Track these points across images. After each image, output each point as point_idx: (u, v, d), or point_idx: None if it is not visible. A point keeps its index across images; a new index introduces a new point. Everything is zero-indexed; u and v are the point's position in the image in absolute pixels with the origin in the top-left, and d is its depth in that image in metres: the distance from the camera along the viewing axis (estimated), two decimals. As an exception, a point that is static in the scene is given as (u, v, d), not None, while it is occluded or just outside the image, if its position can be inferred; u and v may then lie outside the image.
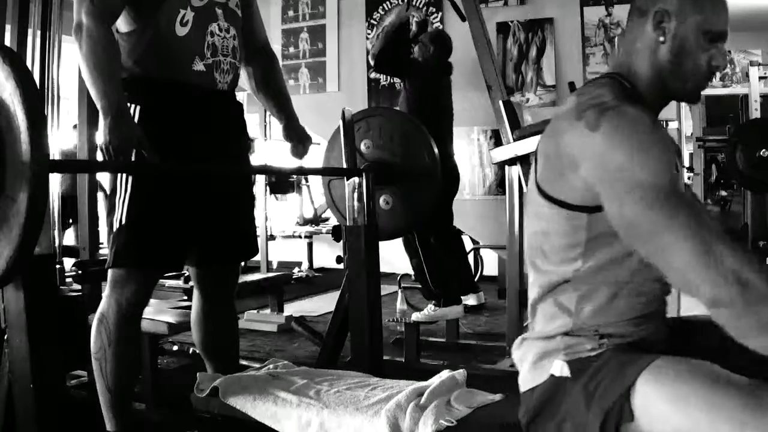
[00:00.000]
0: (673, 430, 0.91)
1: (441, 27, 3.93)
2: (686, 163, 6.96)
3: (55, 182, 2.45)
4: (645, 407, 0.93)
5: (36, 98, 1.17)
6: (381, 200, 2.18)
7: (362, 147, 2.19)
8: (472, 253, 5.27)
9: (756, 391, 0.88)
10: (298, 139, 1.90)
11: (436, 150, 2.20)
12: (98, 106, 1.50)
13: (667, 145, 0.97)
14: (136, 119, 1.58)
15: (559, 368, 1.03)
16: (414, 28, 3.49)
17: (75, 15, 1.52)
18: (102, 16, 1.51)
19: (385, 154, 2.18)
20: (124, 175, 1.60)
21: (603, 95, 1.02)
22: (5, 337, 1.81)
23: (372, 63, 3.42)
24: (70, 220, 4.12)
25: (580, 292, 1.05)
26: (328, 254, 5.69)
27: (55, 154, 2.34)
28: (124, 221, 1.59)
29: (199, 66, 1.63)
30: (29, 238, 1.15)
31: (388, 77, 4.08)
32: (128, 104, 1.58)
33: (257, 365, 1.74)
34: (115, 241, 1.61)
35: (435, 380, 1.37)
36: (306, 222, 6.52)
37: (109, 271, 1.63)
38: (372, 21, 4.18)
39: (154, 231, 1.58)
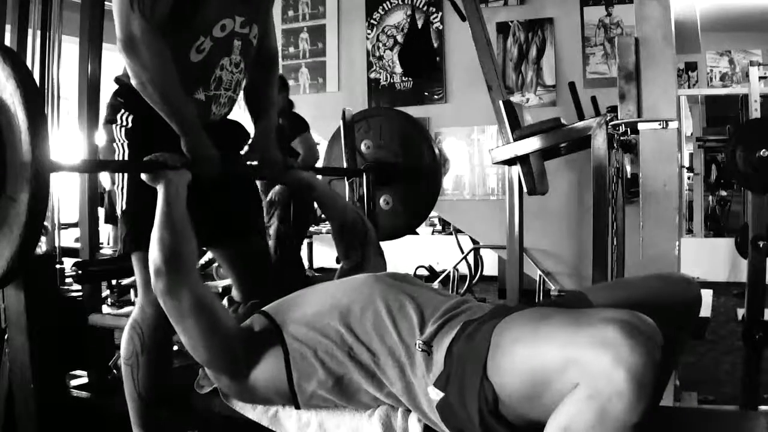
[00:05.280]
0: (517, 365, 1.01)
1: (441, 27, 3.94)
2: (686, 163, 6.98)
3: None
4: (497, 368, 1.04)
5: (36, 99, 1.16)
6: (381, 200, 2.19)
7: (362, 147, 2.20)
8: (472, 253, 5.28)
9: (573, 312, 1.00)
10: (265, 154, 1.71)
11: (436, 150, 2.20)
12: (173, 125, 1.50)
13: None
14: (129, 125, 1.59)
15: None
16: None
17: (123, 29, 1.44)
18: (158, 31, 1.45)
19: (386, 155, 2.18)
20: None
21: None
22: (5, 337, 1.81)
23: None
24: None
25: None
26: (328, 254, 5.69)
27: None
28: (124, 207, 1.61)
29: (199, 95, 1.61)
30: (30, 239, 1.15)
31: (388, 77, 4.08)
32: (121, 110, 1.59)
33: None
34: (121, 229, 1.63)
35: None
36: (306, 222, 6.52)
37: (134, 264, 1.62)
38: (372, 21, 4.17)
39: (151, 213, 1.57)
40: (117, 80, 1.65)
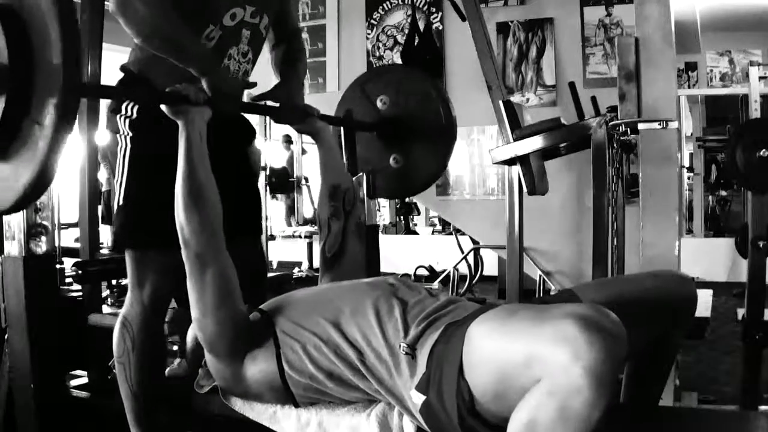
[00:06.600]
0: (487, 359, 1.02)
1: (441, 27, 3.94)
2: (686, 163, 6.98)
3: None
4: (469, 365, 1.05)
5: (73, 19, 1.10)
6: (390, 159, 2.18)
7: (378, 103, 2.19)
8: (472, 253, 5.28)
9: (538, 308, 1.00)
10: (287, 97, 1.71)
11: (454, 112, 2.19)
12: (190, 68, 1.46)
13: None
14: (133, 116, 1.57)
15: None
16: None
17: None
18: None
19: (401, 111, 2.17)
20: (122, 157, 1.59)
21: None
22: (5, 337, 1.81)
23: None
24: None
25: None
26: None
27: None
28: (121, 202, 1.59)
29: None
30: (51, 164, 1.10)
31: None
32: (126, 100, 1.57)
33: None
34: (114, 224, 1.61)
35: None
36: (306, 222, 6.52)
37: (126, 259, 1.61)
38: (372, 21, 4.17)
39: (148, 210, 1.55)
40: (123, 68, 1.63)
